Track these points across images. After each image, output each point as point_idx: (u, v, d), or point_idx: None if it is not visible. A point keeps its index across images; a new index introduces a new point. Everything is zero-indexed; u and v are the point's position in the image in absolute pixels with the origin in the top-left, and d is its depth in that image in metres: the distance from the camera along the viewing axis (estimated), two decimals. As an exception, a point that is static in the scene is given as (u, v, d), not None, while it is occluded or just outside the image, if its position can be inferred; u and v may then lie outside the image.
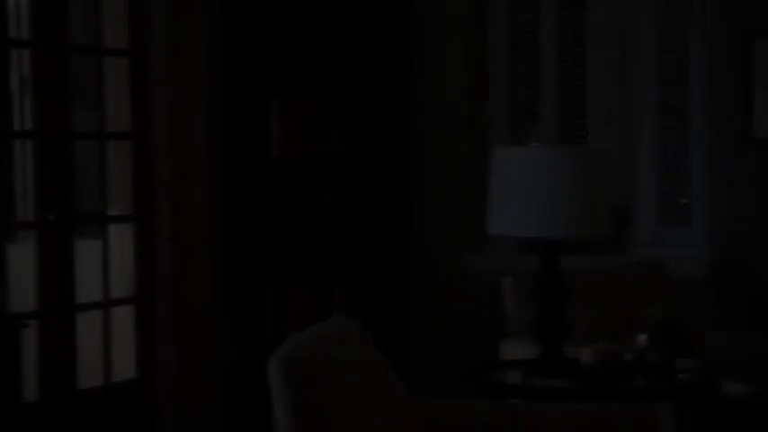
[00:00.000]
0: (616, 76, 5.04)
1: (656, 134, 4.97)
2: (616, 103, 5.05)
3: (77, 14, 4.51)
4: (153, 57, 4.52)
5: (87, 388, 4.41)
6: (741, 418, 3.65)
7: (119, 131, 4.76)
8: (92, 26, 4.54)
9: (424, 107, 5.19)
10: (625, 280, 4.32)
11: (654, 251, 4.79)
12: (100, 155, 4.50)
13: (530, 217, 3.44)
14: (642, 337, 3.42)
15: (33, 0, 4.17)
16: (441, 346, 5.14)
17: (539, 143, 5.15)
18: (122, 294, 4.88)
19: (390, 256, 5.12)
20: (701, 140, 4.86)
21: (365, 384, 2.56)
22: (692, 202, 4.90)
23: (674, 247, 4.88)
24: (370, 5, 5.01)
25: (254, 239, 4.83)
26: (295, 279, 4.91)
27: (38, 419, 4.11)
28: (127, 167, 4.63)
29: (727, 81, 4.68)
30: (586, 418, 2.92)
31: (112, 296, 4.58)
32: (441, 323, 5.18)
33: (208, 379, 4.64)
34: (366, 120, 5.04)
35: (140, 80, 4.56)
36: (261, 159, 4.83)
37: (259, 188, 4.84)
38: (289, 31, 4.90)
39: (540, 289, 3.54)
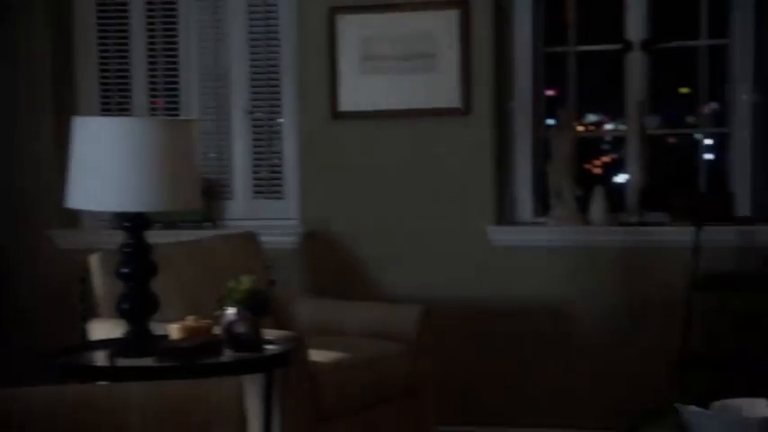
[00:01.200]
0: (208, 46, 4.99)
1: (249, 107, 4.98)
2: (209, 74, 5.00)
3: None
4: None
5: None
6: (340, 381, 3.73)
7: None
8: None
9: (6, 74, 4.90)
10: (218, 253, 4.29)
11: (249, 224, 4.80)
12: None
13: (111, 191, 3.30)
14: (230, 310, 3.39)
15: None
16: (31, 330, 4.89)
17: (129, 114, 5.01)
18: None
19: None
20: (291, 114, 4.92)
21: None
22: (285, 175, 4.96)
23: (269, 220, 4.92)
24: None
25: None
26: None
27: None
28: None
29: (315, 56, 4.76)
30: (171, 395, 2.83)
31: None
32: (29, 306, 4.92)
33: None
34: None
35: None
36: None
37: None
38: None
39: (125, 265, 3.42)
